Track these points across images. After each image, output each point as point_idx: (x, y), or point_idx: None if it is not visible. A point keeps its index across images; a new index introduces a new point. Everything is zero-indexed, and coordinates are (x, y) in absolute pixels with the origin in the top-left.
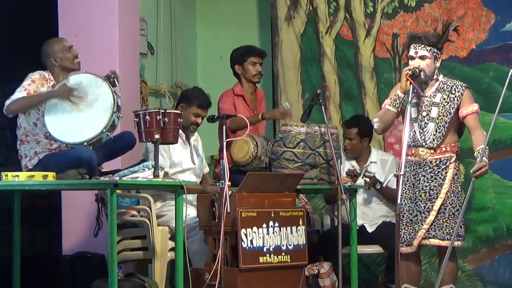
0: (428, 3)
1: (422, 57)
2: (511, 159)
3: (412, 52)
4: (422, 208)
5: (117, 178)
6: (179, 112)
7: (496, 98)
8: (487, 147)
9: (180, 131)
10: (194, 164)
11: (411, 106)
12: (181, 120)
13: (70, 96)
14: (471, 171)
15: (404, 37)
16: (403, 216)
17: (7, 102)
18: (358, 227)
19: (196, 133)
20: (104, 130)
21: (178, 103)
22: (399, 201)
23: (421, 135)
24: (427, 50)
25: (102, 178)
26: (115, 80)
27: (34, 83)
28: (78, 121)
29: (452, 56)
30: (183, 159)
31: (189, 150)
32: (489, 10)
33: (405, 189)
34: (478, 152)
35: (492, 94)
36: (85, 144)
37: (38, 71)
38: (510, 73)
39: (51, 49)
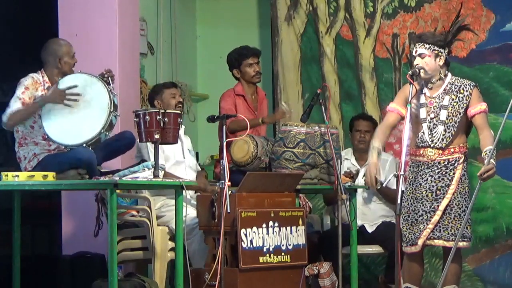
0: (428, 3)
1: (421, 55)
2: (511, 159)
3: (413, 52)
4: (428, 208)
5: (117, 178)
6: (179, 112)
7: (496, 98)
8: (494, 149)
9: None
10: (184, 158)
11: (411, 106)
12: (181, 120)
13: (64, 99)
14: (478, 174)
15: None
16: (408, 216)
17: (4, 118)
18: (358, 227)
19: (183, 129)
20: (102, 131)
21: (151, 103)
22: (399, 201)
23: (430, 136)
24: (425, 48)
25: (102, 178)
26: (110, 78)
27: (27, 90)
28: (76, 122)
29: (452, 56)
30: (175, 151)
31: (180, 144)
32: (489, 10)
33: (412, 189)
34: (486, 154)
35: (492, 94)
36: (84, 145)
37: (30, 75)
38: None
39: (59, 49)
